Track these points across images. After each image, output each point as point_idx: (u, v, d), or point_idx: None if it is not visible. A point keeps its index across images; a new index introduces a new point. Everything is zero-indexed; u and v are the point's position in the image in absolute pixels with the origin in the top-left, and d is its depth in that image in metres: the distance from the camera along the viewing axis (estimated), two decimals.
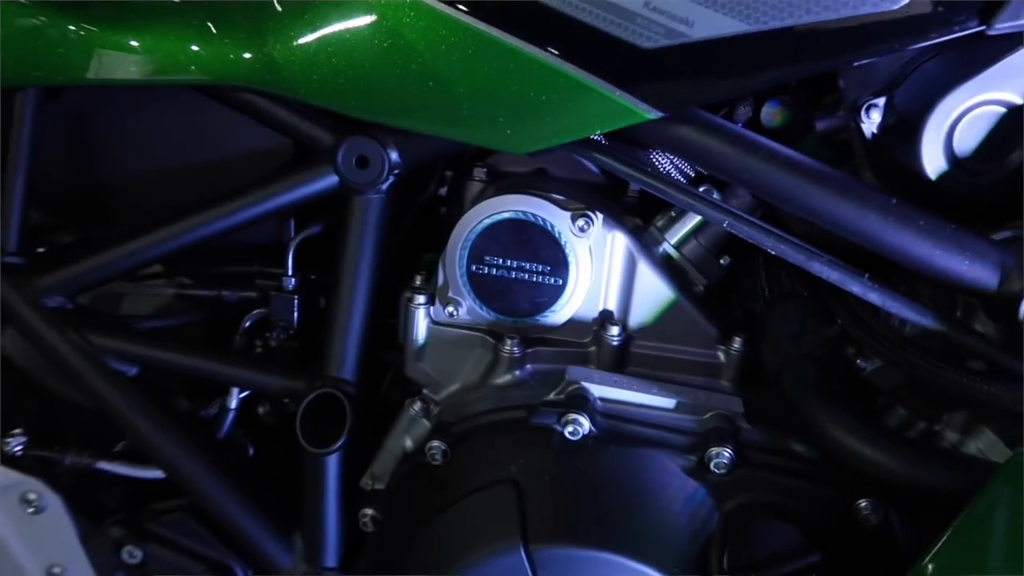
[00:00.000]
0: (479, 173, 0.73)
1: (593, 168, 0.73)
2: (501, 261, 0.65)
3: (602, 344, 0.65)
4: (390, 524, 0.66)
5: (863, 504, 0.55)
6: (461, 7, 0.56)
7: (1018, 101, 0.51)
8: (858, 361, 0.60)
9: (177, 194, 0.77)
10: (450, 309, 0.67)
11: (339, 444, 0.68)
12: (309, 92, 0.64)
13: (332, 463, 0.70)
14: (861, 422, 0.53)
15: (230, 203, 0.71)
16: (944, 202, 0.53)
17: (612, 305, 0.66)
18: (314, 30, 0.62)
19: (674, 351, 0.66)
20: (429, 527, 0.59)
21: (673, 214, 0.68)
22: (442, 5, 0.57)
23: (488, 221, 0.65)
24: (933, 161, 0.53)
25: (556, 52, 0.55)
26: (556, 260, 0.64)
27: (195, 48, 0.65)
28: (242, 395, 0.77)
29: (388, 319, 0.73)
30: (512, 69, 0.57)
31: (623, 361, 0.65)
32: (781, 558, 0.54)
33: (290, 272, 0.76)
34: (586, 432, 0.58)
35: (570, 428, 0.58)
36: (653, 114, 0.55)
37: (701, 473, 0.57)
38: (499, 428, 0.62)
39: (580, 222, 0.63)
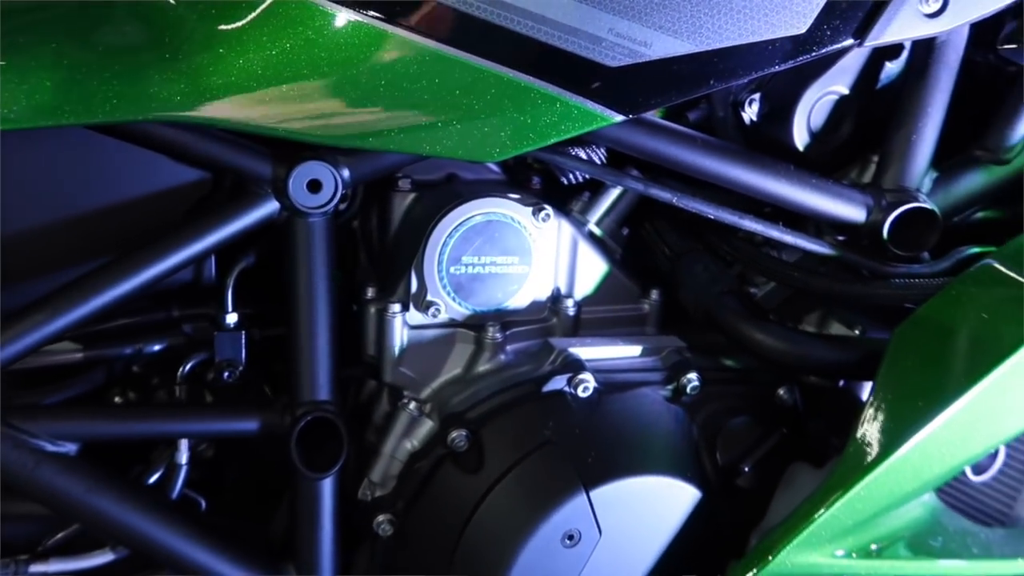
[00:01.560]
0: (404, 184, 0.78)
1: (494, 168, 0.83)
2: (477, 259, 0.73)
3: (560, 316, 0.77)
4: (418, 520, 0.70)
5: (781, 391, 0.75)
6: (443, 43, 0.61)
7: (845, 92, 0.74)
8: (751, 290, 0.80)
9: (78, 245, 0.70)
10: (431, 312, 0.73)
11: (339, 465, 0.70)
12: (249, 121, 0.64)
13: (328, 485, 0.71)
14: (781, 330, 0.73)
15: (161, 247, 0.68)
16: (808, 165, 0.74)
17: (562, 282, 0.77)
18: (257, 54, 0.60)
19: (611, 311, 0.80)
20: (484, 504, 0.66)
21: (585, 199, 0.81)
22: (416, 36, 0.62)
23: (464, 226, 0.72)
24: (801, 136, 0.74)
25: (531, 72, 0.64)
26: (522, 250, 0.74)
27: (113, 83, 0.60)
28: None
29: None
30: (491, 88, 0.64)
31: (577, 327, 0.78)
32: (754, 446, 0.72)
33: (230, 308, 0.74)
34: (594, 388, 0.70)
35: (581, 387, 0.69)
36: (618, 118, 0.67)
37: (677, 398, 0.73)
38: (515, 404, 0.70)
39: (541, 215, 0.73)
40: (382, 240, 0.80)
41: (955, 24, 0.65)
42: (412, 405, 0.73)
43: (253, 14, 0.60)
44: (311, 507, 0.71)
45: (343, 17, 0.59)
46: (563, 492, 0.65)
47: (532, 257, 0.74)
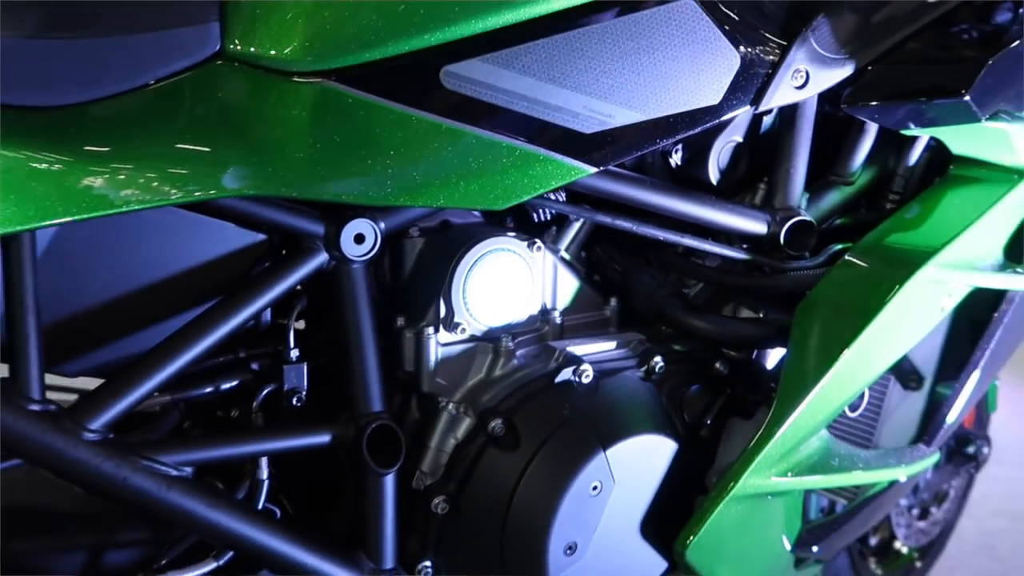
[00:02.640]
0: (414, 232, 0.97)
1: (476, 214, 1.03)
2: (490, 285, 0.93)
3: (550, 325, 0.98)
4: (470, 496, 0.89)
5: (717, 364, 1.01)
6: (459, 122, 0.81)
7: (740, 140, 1.01)
8: (684, 291, 1.05)
9: (158, 310, 0.83)
10: (458, 330, 0.92)
11: (400, 462, 0.87)
12: (308, 191, 0.80)
13: (391, 480, 0.88)
14: (715, 318, 0.99)
15: (238, 301, 0.82)
16: (720, 194, 1.00)
17: (548, 298, 0.99)
18: (313, 137, 0.76)
19: (584, 317, 1.02)
20: (527, 473, 0.86)
21: (553, 232, 1.03)
22: (438, 117, 0.81)
23: (480, 260, 0.91)
24: (714, 174, 1.00)
25: (528, 140, 0.84)
26: (522, 276, 0.95)
27: (200, 166, 0.74)
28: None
29: None
30: (499, 154, 0.83)
31: (563, 332, 0.99)
32: (709, 406, 0.96)
33: (292, 345, 0.89)
34: (593, 375, 0.92)
35: (584, 376, 0.91)
36: (592, 170, 0.89)
37: (648, 377, 0.96)
38: (536, 394, 0.90)
39: (534, 247, 0.94)
40: (397, 278, 0.97)
41: (813, 93, 0.93)
42: (451, 407, 0.91)
43: (306, 109, 0.76)
44: (378, 500, 0.88)
45: (378, 105, 0.76)
46: (587, 454, 0.86)
47: (529, 281, 0.95)
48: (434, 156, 0.81)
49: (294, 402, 0.89)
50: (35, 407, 0.72)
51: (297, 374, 0.89)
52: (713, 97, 0.88)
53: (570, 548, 0.87)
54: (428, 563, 0.90)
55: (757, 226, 0.97)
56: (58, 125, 0.71)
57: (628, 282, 1.04)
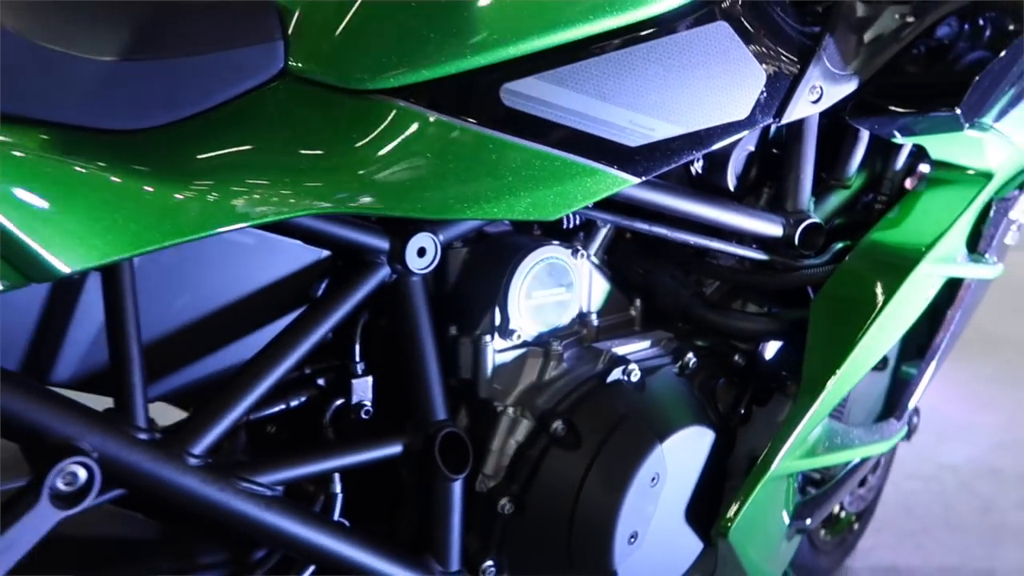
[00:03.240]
0: (457, 243, 0.99)
1: (506, 223, 1.07)
2: (541, 292, 0.97)
3: (588, 327, 1.03)
4: (536, 495, 0.93)
5: (736, 357, 1.09)
6: (516, 136, 0.84)
7: (753, 149, 1.09)
8: (703, 289, 1.13)
9: (229, 332, 0.83)
10: (514, 337, 0.95)
11: (469, 467, 0.90)
12: (377, 207, 0.81)
13: (459, 485, 0.91)
14: (738, 314, 1.07)
15: (313, 321, 0.83)
16: (737, 199, 1.08)
17: (584, 302, 1.04)
18: (384, 155, 0.78)
19: (614, 319, 1.08)
20: (592, 469, 0.91)
21: (581, 238, 1.08)
22: (496, 132, 0.84)
23: (533, 269, 0.95)
24: (732, 181, 1.07)
25: (578, 152, 0.88)
26: (568, 282, 0.99)
27: (272, 187, 0.72)
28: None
29: None
30: (554, 167, 0.88)
31: (599, 334, 1.05)
32: (738, 396, 1.04)
33: (358, 359, 0.90)
34: (640, 374, 0.97)
35: (634, 375, 0.97)
36: (636, 181, 0.95)
37: (682, 372, 1.03)
38: (591, 394, 0.95)
39: (578, 255, 0.99)
40: (445, 288, 1.00)
41: (826, 107, 1.02)
42: (510, 410, 0.95)
43: (373, 126, 0.78)
44: (446, 504, 0.90)
45: (443, 122, 0.78)
46: (647, 448, 0.92)
47: (575, 286, 1.00)
48: (494, 170, 0.84)
49: (362, 415, 0.90)
50: (143, 435, 0.71)
51: (363, 387, 0.90)
52: (743, 111, 0.95)
53: (632, 537, 0.93)
54: (491, 562, 0.94)
55: (774, 228, 1.06)
56: (145, 148, 0.70)
57: (650, 283, 1.10)
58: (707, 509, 1.02)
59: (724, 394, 1.04)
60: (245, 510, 0.75)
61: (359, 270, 0.87)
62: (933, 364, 1.28)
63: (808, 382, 1.00)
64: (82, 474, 0.66)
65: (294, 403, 0.89)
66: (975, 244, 1.19)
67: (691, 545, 1.02)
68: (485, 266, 0.97)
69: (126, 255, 0.67)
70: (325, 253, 0.88)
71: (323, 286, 0.89)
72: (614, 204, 1.03)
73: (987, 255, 1.21)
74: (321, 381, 0.91)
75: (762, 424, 1.04)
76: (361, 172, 0.78)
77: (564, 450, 0.93)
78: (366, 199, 0.78)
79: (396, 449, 0.88)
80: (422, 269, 0.87)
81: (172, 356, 0.82)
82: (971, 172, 1.14)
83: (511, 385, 0.97)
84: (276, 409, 0.88)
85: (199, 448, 0.73)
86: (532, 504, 0.93)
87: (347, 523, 0.91)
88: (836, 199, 1.13)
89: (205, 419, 0.75)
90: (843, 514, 1.80)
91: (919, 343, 1.31)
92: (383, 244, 0.86)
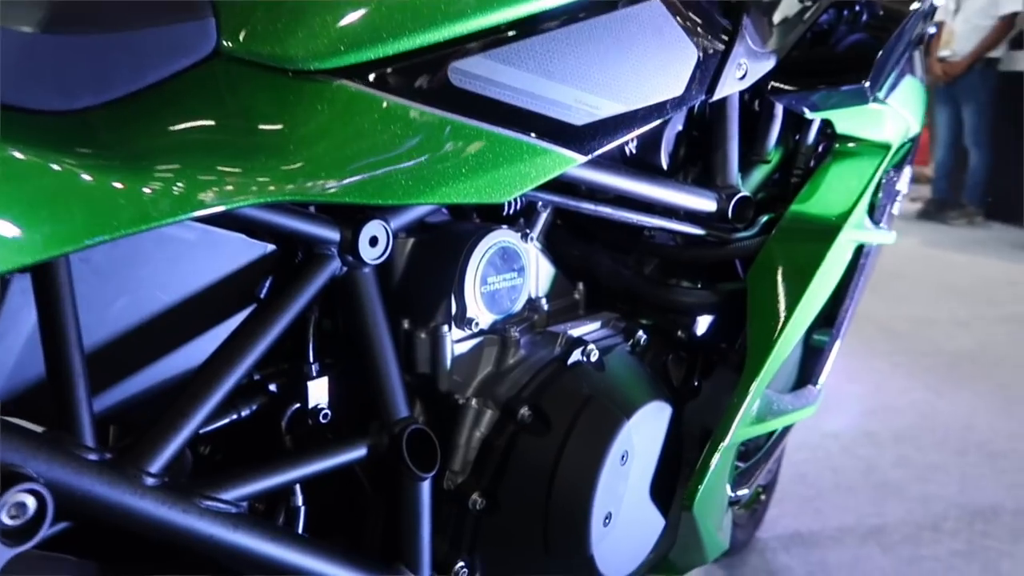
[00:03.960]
0: (402, 233, 0.95)
1: (444, 210, 1.03)
2: (495, 278, 0.94)
3: (539, 312, 1.01)
4: (508, 487, 0.89)
5: (679, 332, 1.10)
6: (464, 116, 0.81)
7: (681, 128, 1.11)
8: (642, 268, 1.13)
9: (167, 338, 0.75)
10: (471, 326, 0.92)
11: (438, 464, 0.86)
12: (326, 194, 0.77)
13: (428, 485, 0.86)
14: (683, 290, 1.08)
15: (262, 323, 0.76)
16: (668, 177, 1.09)
17: (533, 287, 1.02)
18: (331, 139, 0.75)
19: (561, 302, 1.07)
20: (564, 453, 0.89)
21: (522, 222, 1.06)
22: (445, 113, 0.81)
23: (487, 254, 0.92)
24: (664, 159, 1.09)
25: (526, 132, 0.86)
26: (520, 266, 0.97)
27: (214, 175, 0.66)
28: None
29: None
30: (504, 148, 0.86)
31: (550, 318, 1.03)
32: (689, 370, 1.06)
33: (312, 359, 0.84)
34: (598, 353, 0.96)
35: (592, 355, 0.96)
36: (582, 159, 0.94)
37: (633, 350, 1.03)
38: (554, 377, 0.93)
39: (527, 238, 0.97)
40: (392, 280, 0.95)
41: (750, 83, 1.05)
42: (472, 402, 0.91)
43: (317, 108, 0.74)
44: (415, 506, 0.86)
45: (390, 102, 0.74)
46: (616, 426, 0.91)
47: (527, 270, 0.98)
48: (446, 152, 0.81)
49: (321, 419, 0.84)
50: (93, 456, 0.62)
51: (319, 390, 0.84)
52: (678, 88, 0.97)
53: (607, 519, 0.92)
54: (463, 564, 0.90)
55: (708, 204, 1.08)
56: (75, 132, 0.62)
57: (590, 265, 1.10)
58: (667, 484, 1.02)
59: (675, 369, 1.04)
60: (211, 531, 0.68)
61: (309, 264, 0.80)
62: (843, 330, 1.35)
63: (754, 350, 1.03)
64: (31, 503, 0.57)
65: (245, 412, 0.81)
66: (871, 214, 1.27)
67: (656, 521, 1.02)
68: (436, 255, 0.93)
69: (61, 252, 0.58)
70: (271, 247, 0.82)
71: (269, 283, 0.82)
72: (556, 186, 1.02)
73: (881, 224, 1.29)
74: (273, 387, 0.84)
75: (709, 396, 1.06)
76: (307, 157, 0.72)
77: (533, 436, 0.90)
78: (314, 186, 0.72)
79: (360, 452, 0.82)
80: (375, 259, 0.82)
81: (112, 367, 0.72)
82: (872, 144, 1.21)
83: (471, 376, 0.93)
84: (227, 420, 0.80)
85: (155, 466, 0.65)
86: (504, 497, 0.90)
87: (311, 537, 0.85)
88: (759, 174, 1.17)
89: (159, 434, 0.66)
90: (753, 488, 1.87)
91: (827, 310, 1.38)
92: (333, 235, 0.81)
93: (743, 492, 1.23)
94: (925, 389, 2.84)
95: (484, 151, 0.82)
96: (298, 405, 0.83)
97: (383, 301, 0.85)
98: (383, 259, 0.83)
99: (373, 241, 0.82)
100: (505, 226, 0.97)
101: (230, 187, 0.67)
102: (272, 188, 0.70)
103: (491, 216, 1.06)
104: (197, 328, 0.78)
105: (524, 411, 0.90)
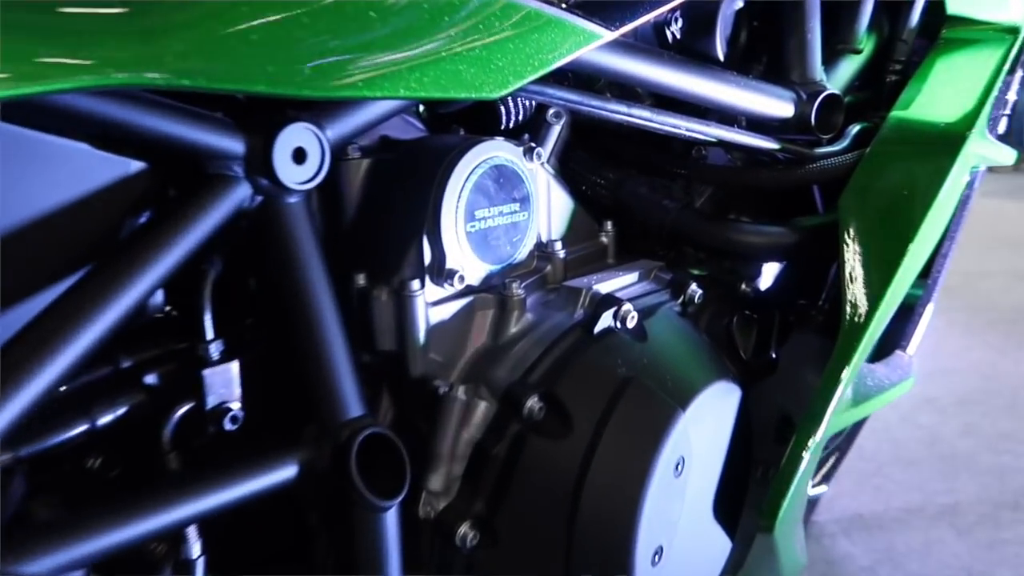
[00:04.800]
0: (354, 152, 0.66)
1: (418, 125, 0.74)
2: (488, 212, 0.65)
3: (553, 261, 0.72)
4: (511, 512, 0.62)
5: (743, 285, 0.81)
6: None
7: (741, 4, 0.80)
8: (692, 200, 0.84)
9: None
10: (454, 280, 0.63)
11: (407, 485, 0.58)
12: (225, 77, 0.48)
13: (393, 515, 0.59)
14: (750, 227, 0.79)
15: (121, 276, 0.48)
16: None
17: (543, 226, 0.73)
18: None
19: (583, 248, 0.77)
20: (593, 461, 0.60)
21: (526, 140, 0.76)
22: None
23: (473, 177, 0.63)
24: (720, 45, 0.79)
25: None
26: (523, 195, 0.68)
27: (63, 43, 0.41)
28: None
29: None
30: (496, 15, 0.57)
31: (566, 269, 0.74)
32: (763, 335, 0.76)
33: (211, 335, 0.55)
34: (636, 316, 0.67)
35: (629, 319, 0.67)
36: (605, 35, 0.64)
37: (684, 310, 0.74)
38: (574, 353, 0.64)
39: (533, 155, 0.68)
40: (342, 218, 0.66)
41: None
42: (458, 391, 0.63)
43: None
44: (377, 545, 0.58)
45: None
46: (668, 421, 0.63)
47: (531, 201, 0.69)
48: (408, 21, 0.52)
49: (227, 425, 0.56)
50: None
51: (222, 380, 0.56)
52: None
53: (657, 554, 0.64)
54: None
55: (781, 106, 0.78)
56: None
57: (621, 198, 0.80)
58: (734, 495, 0.74)
59: (741, 336, 0.75)
60: None
61: (199, 190, 0.52)
62: (941, 278, 1.06)
63: (851, 308, 0.74)
64: None
65: (104, 420, 0.53)
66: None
67: (719, 547, 0.74)
68: (401, 179, 0.64)
69: None
70: (136, 165, 0.53)
71: (139, 222, 0.53)
72: (573, 82, 0.73)
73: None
74: (151, 378, 0.55)
75: (789, 372, 0.77)
76: (192, 26, 0.44)
77: (546, 440, 0.62)
78: (201, 66, 0.44)
79: (288, 472, 0.54)
80: (302, 184, 0.54)
81: None
82: (994, 28, 0.90)
83: (455, 353, 0.65)
84: (73, 434, 0.52)
85: None
86: (506, 528, 0.62)
87: None
88: (847, 68, 0.87)
89: None
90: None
91: None
92: (235, 145, 0.52)
93: (820, 490, 0.95)
94: (985, 347, 2.55)
95: (467, 20, 0.53)
96: (190, 405, 0.55)
97: (320, 247, 0.56)
98: (315, 183, 0.54)
99: (299, 155, 0.53)
100: (501, 138, 0.67)
101: (76, 64, 0.39)
102: (135, 69, 0.42)
103: (483, 128, 0.76)
104: (27, 290, 0.49)
105: (533, 403, 0.61)
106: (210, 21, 0.45)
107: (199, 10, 0.45)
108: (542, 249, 0.72)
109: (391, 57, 0.52)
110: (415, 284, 0.61)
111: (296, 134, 0.53)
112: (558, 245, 0.72)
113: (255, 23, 0.46)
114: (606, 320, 0.66)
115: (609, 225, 0.79)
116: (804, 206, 0.87)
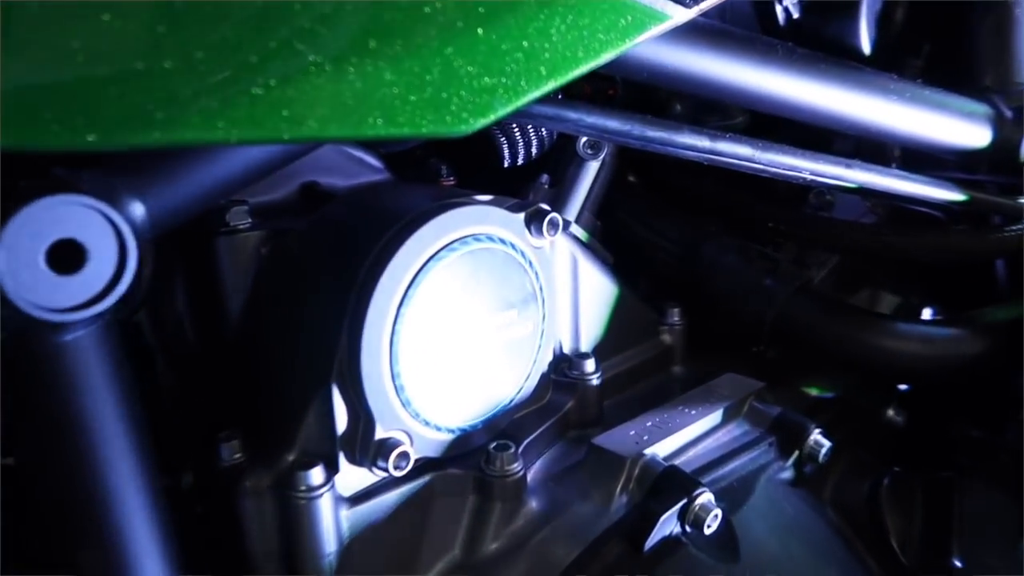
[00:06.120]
0: (239, 218, 0.38)
1: (374, 163, 0.46)
2: (459, 330, 0.36)
3: (582, 393, 0.43)
4: None
5: (890, 411, 0.51)
6: None
7: None
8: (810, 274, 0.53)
9: None
10: (391, 461, 0.35)
11: None
12: None
13: None
14: (907, 327, 0.48)
15: None
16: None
17: (566, 332, 0.44)
18: None
19: (632, 356, 0.48)
20: None
21: (545, 183, 0.48)
22: None
23: (431, 272, 0.35)
24: (867, 36, 0.48)
25: None
26: (525, 295, 0.39)
27: None
28: None
29: None
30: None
31: (602, 394, 0.45)
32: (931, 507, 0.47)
33: None
34: (720, 515, 0.38)
35: (710, 518, 0.38)
36: (682, 15, 0.35)
37: (799, 470, 0.45)
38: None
39: (540, 226, 0.39)
40: (202, 343, 0.39)
41: None
42: None
43: None
44: None
45: None
46: None
47: (536, 300, 0.40)
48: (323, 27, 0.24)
49: None
50: None
51: None
52: None
53: None
54: None
55: (974, 130, 0.47)
56: None
57: (696, 270, 0.51)
58: None
59: (901, 510, 0.45)
60: None
61: None
62: None
63: None
64: None
65: None
66: None
67: None
68: (309, 275, 0.37)
69: None
70: None
71: None
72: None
73: None
74: None
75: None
76: None
77: None
78: None
79: None
80: (73, 311, 0.27)
81: None
82: None
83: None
84: None
85: None
86: None
87: None
88: None
89: None
90: None
91: None
92: None
93: None
94: None
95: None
96: None
97: (131, 398, 0.29)
98: (105, 305, 0.27)
99: (62, 258, 0.26)
100: (486, 196, 0.39)
101: None
102: None
103: (476, 163, 0.48)
104: None
105: None
106: None
107: None
108: (564, 372, 0.43)
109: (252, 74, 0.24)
110: (314, 476, 0.33)
111: (57, 217, 0.26)
112: (589, 364, 0.43)
113: None
114: (667, 525, 0.37)
115: (676, 315, 0.50)
116: (973, 284, 0.56)
